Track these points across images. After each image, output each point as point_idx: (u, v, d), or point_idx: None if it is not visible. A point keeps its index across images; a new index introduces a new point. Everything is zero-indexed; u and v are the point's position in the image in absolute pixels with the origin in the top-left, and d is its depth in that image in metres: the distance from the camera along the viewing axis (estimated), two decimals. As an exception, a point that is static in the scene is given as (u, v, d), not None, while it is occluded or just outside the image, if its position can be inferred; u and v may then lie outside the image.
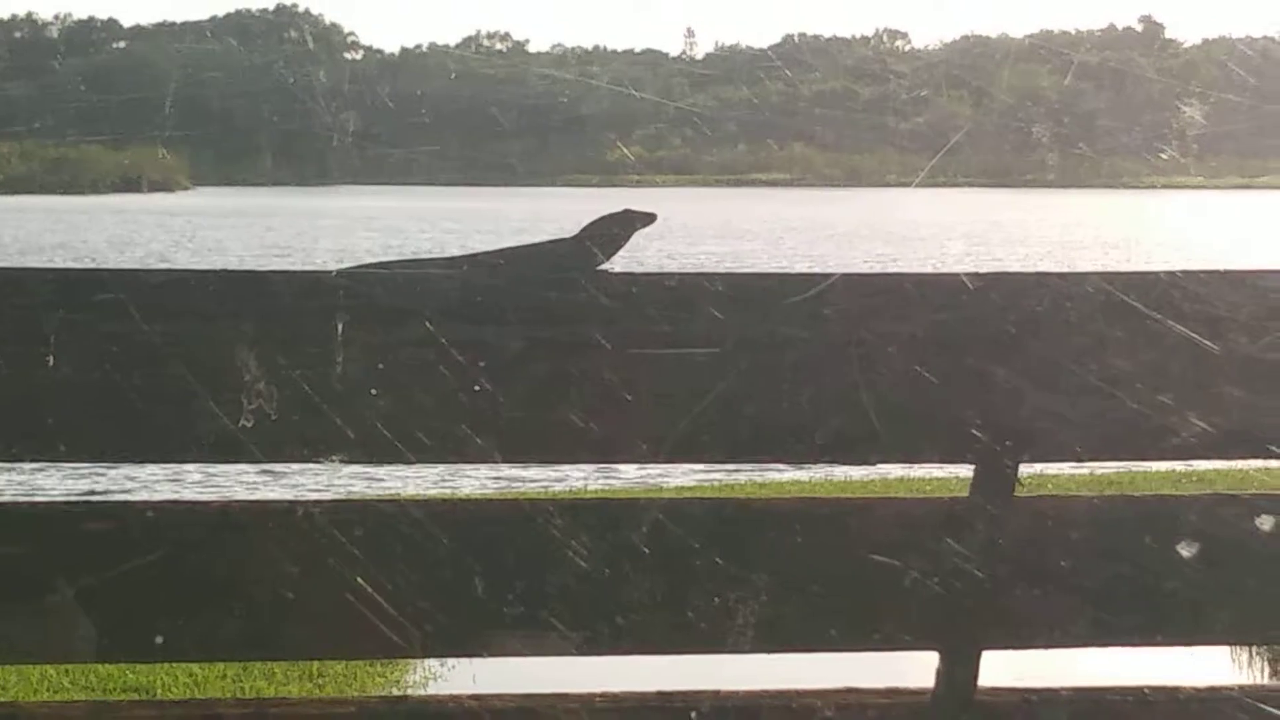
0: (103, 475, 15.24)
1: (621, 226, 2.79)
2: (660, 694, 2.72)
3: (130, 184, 71.46)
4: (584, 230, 2.78)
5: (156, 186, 72.55)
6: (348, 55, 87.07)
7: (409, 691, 8.58)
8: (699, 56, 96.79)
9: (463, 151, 74.85)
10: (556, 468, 13.71)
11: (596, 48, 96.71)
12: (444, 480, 14.46)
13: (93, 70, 77.16)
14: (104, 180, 71.37)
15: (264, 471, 14.89)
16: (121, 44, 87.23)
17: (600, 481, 14.38)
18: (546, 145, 75.84)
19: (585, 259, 2.72)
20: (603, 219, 2.81)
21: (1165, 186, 64.25)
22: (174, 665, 8.77)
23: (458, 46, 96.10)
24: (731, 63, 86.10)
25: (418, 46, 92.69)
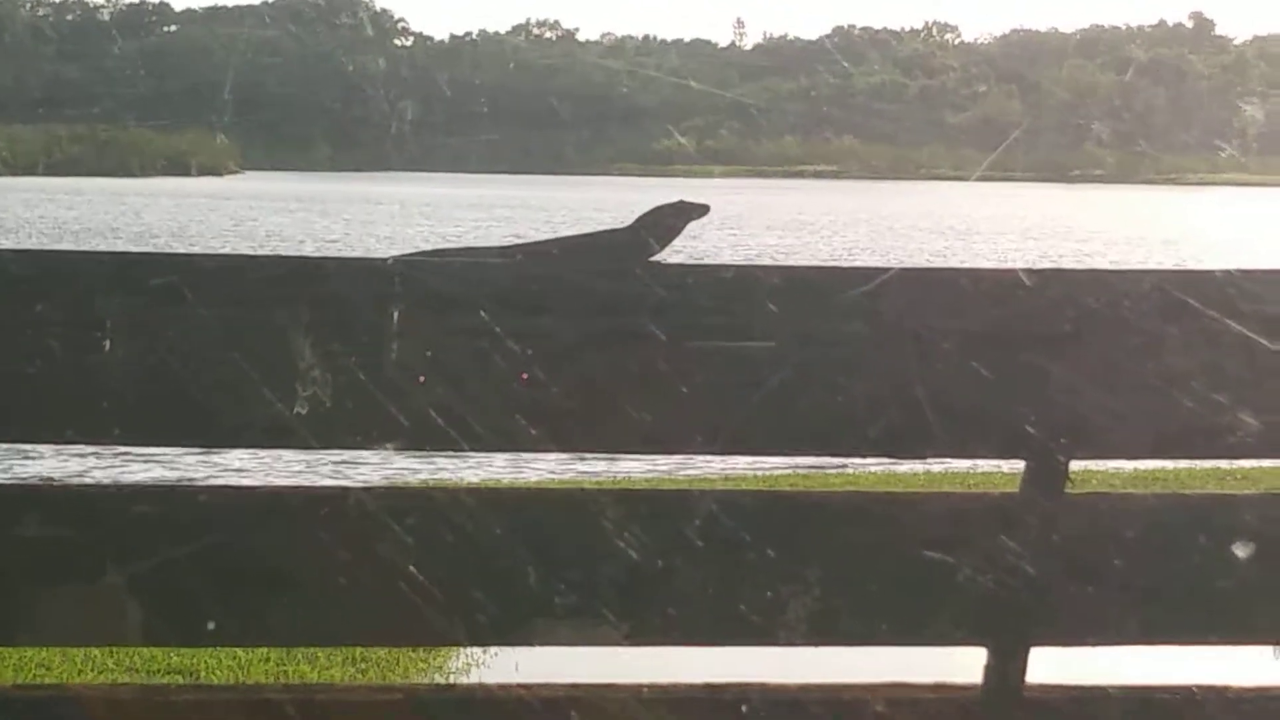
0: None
1: (676, 217, 2.79)
2: (708, 685, 2.71)
3: (179, 167, 71.70)
4: (638, 220, 2.77)
5: (205, 170, 72.79)
6: (398, 42, 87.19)
7: (452, 678, 8.59)
8: (748, 47, 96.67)
9: (519, 140, 74.94)
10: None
11: (647, 38, 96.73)
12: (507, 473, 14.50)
13: (144, 54, 77.53)
14: (152, 164, 71.67)
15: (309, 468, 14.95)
16: (173, 28, 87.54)
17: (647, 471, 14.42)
18: (602, 135, 75.91)
19: (639, 249, 2.71)
20: (657, 209, 2.80)
21: (1224, 184, 63.87)
22: (219, 651, 8.80)
23: (508, 34, 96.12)
24: (781, 54, 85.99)
25: (468, 34, 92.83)
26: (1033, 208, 57.71)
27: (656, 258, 2.72)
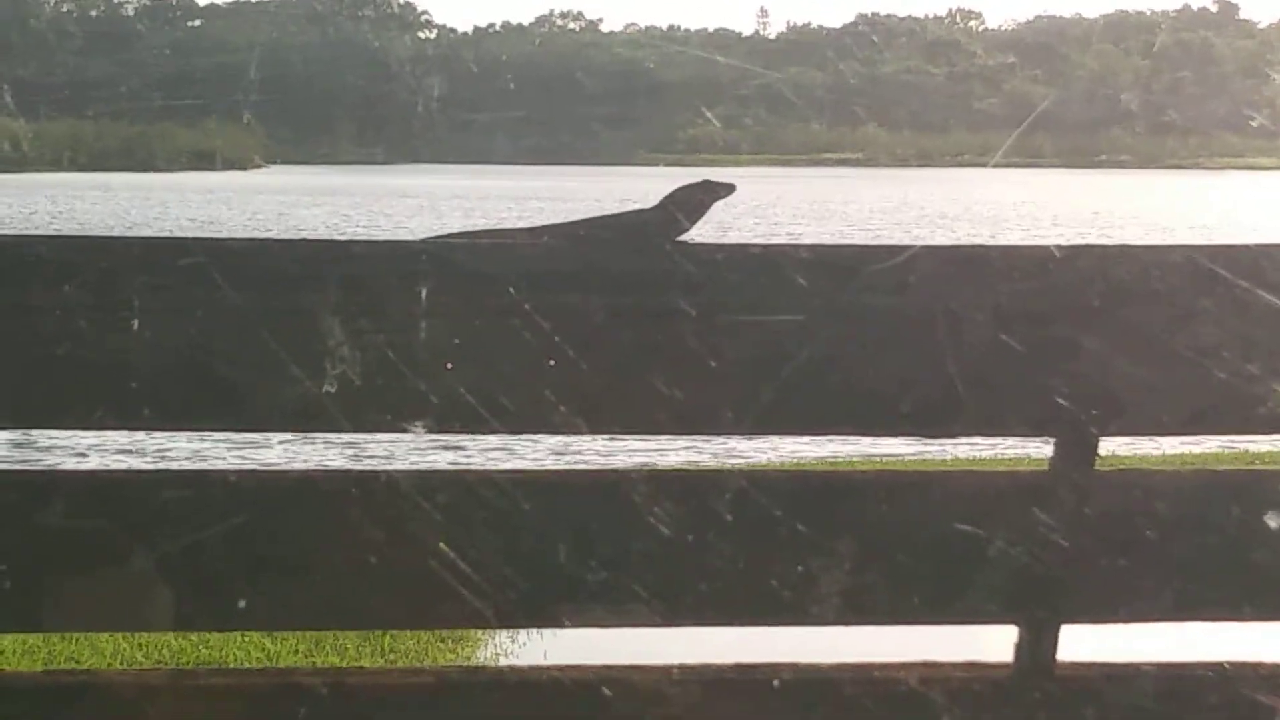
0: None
1: (703, 195, 2.79)
2: (738, 666, 2.71)
3: (204, 161, 71.79)
4: (666, 199, 2.77)
5: (230, 165, 72.82)
6: (422, 35, 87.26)
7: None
8: (772, 36, 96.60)
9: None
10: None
11: (671, 27, 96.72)
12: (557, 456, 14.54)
13: (169, 48, 77.68)
14: (178, 158, 71.75)
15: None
16: (197, 22, 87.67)
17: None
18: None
19: (668, 227, 2.72)
20: (684, 188, 2.81)
21: (1254, 168, 63.60)
22: (247, 641, 8.83)
23: (531, 25, 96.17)
24: (804, 43, 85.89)
25: (490, 25, 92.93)
26: (1061, 194, 57.54)
27: (684, 238, 2.72)
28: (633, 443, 15.07)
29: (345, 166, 74.47)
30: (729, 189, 2.84)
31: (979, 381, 2.53)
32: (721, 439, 14.48)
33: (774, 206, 50.09)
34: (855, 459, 13.74)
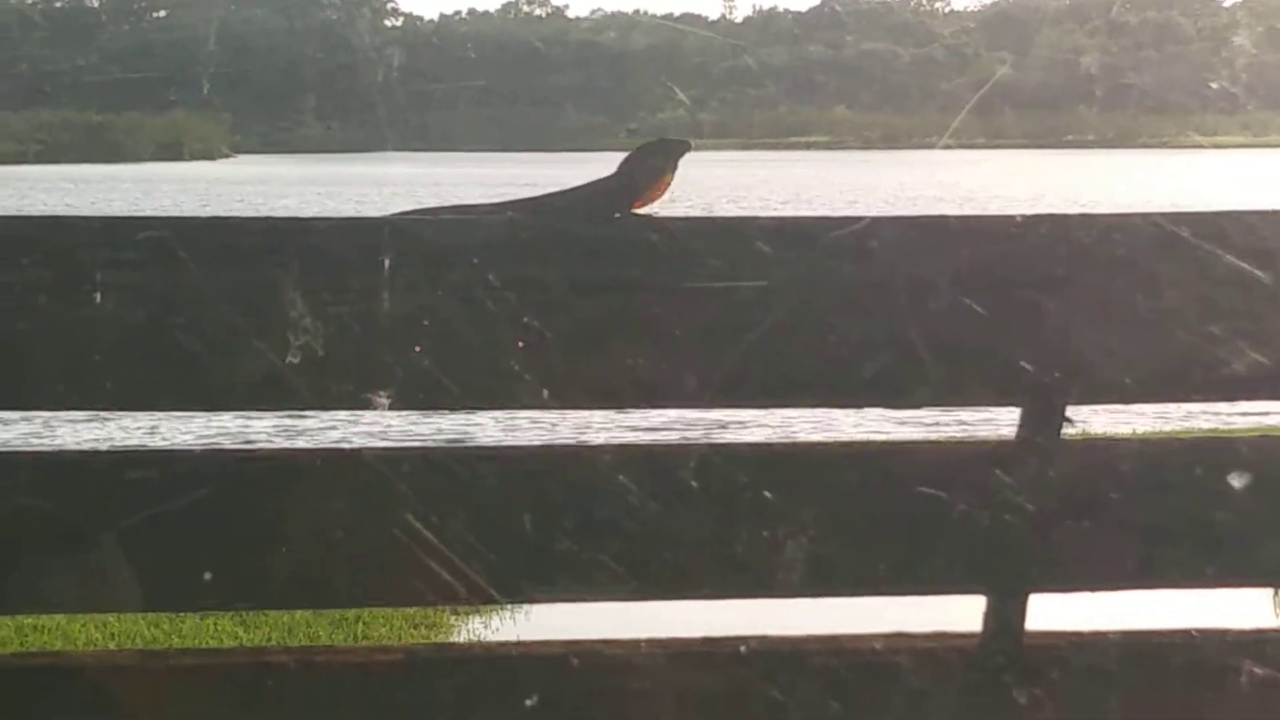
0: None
1: (661, 158, 2.78)
2: (706, 639, 2.71)
3: (171, 152, 71.48)
4: (622, 165, 2.76)
5: (198, 155, 72.52)
6: (387, 23, 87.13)
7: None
8: (738, 20, 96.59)
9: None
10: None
11: (637, 11, 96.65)
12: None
13: (133, 39, 77.38)
14: (145, 149, 71.46)
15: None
16: (162, 13, 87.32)
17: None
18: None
19: (628, 193, 2.71)
20: (639, 150, 2.80)
21: (1212, 147, 63.76)
22: (220, 630, 8.85)
23: (497, 14, 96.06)
24: (771, 26, 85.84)
25: (457, 13, 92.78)
26: (1031, 175, 57.54)
27: (653, 208, 2.71)
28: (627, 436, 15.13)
29: (314, 155, 74.21)
30: (684, 146, 2.82)
31: (943, 349, 2.53)
32: (706, 426, 14.55)
33: (749, 190, 50.07)
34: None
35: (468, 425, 16.18)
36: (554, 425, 15.22)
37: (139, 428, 16.74)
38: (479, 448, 2.67)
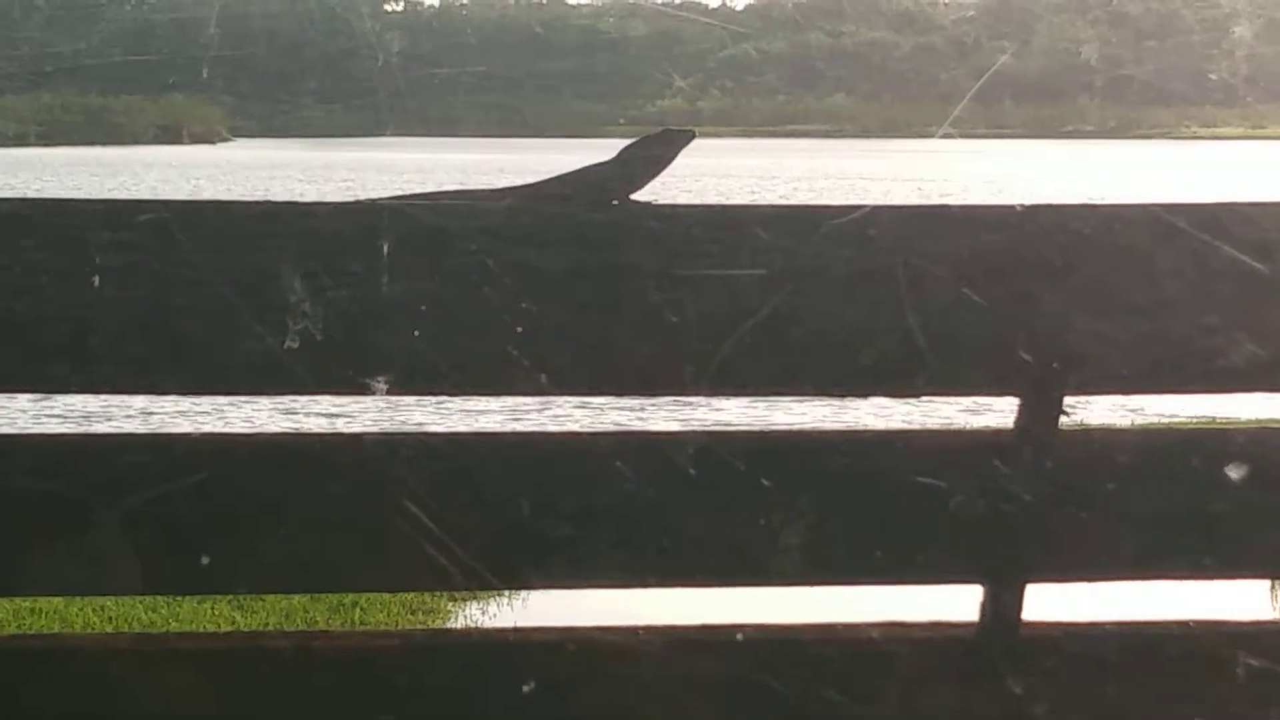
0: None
1: (663, 147, 2.78)
2: (703, 627, 2.72)
3: (171, 135, 71.40)
4: (623, 152, 2.76)
5: (197, 138, 72.41)
6: (388, 8, 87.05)
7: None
8: (739, 8, 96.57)
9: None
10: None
11: (636, 2, 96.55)
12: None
13: (135, 21, 77.23)
14: (145, 132, 71.37)
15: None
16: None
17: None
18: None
19: (627, 180, 2.71)
20: (642, 139, 2.80)
21: (1211, 138, 63.68)
22: (217, 614, 8.86)
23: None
24: (771, 14, 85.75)
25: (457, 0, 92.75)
26: (1032, 166, 57.47)
27: (651, 193, 2.72)
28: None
29: (314, 140, 74.10)
30: (688, 136, 2.82)
31: (942, 338, 2.53)
32: (712, 418, 14.54)
33: (755, 181, 50.05)
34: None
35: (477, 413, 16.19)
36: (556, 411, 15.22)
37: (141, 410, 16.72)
38: (477, 433, 2.66)
